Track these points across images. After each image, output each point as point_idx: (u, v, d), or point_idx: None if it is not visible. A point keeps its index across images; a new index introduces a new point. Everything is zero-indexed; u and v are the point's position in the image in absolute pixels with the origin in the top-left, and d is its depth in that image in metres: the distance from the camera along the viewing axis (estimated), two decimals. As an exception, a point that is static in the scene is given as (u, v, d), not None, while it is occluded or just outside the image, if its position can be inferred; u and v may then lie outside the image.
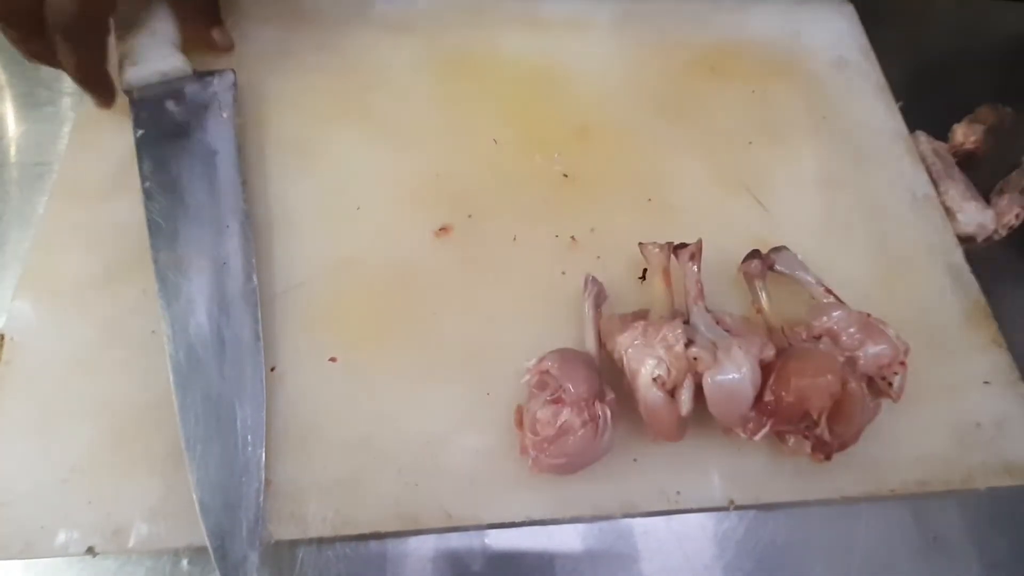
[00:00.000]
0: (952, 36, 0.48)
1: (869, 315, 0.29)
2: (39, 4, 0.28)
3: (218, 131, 0.33)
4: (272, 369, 0.28)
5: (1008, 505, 0.30)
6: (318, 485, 0.26)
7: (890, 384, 0.28)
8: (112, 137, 0.33)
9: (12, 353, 0.28)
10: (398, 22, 0.40)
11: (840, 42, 0.43)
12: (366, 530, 0.26)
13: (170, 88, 0.34)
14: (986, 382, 0.32)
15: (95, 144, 0.33)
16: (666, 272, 0.30)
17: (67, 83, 0.38)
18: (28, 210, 0.33)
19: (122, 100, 0.34)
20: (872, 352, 0.28)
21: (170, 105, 0.33)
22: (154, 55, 0.33)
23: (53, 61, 0.30)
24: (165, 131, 0.33)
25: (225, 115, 0.33)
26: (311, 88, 0.37)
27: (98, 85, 0.32)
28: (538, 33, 0.40)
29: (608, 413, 0.26)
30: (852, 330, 0.28)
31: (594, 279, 0.30)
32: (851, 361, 0.28)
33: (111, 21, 0.32)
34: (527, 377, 0.28)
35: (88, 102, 0.35)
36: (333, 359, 0.29)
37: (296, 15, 0.40)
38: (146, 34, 0.34)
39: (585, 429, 0.25)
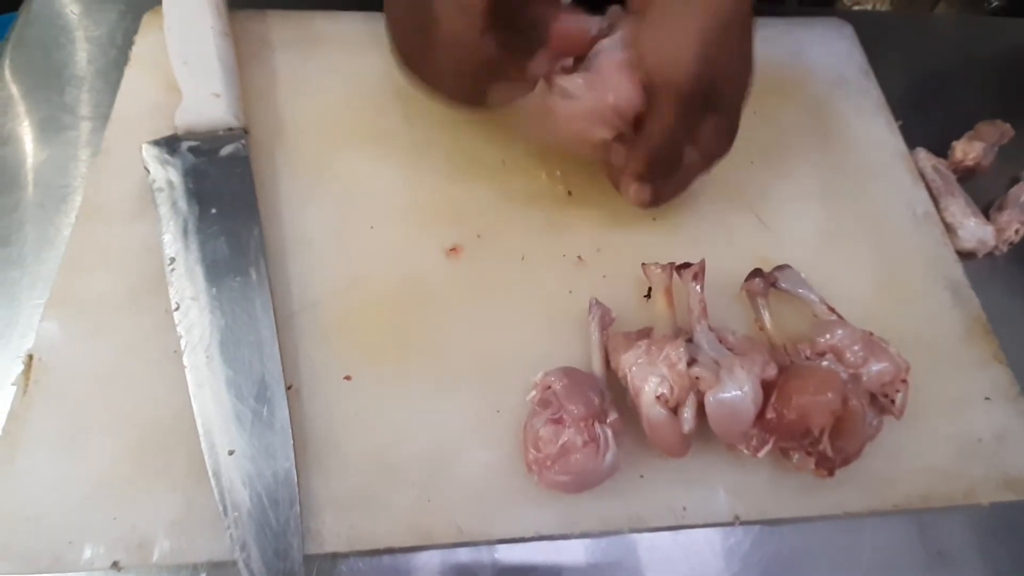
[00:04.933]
0: (951, 53, 0.49)
1: (871, 333, 0.30)
2: None
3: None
4: (289, 387, 0.29)
5: (1011, 520, 0.30)
6: (333, 501, 0.27)
7: (892, 401, 0.29)
8: (136, 159, 0.35)
9: (40, 372, 0.29)
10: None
11: (840, 62, 0.44)
12: (380, 545, 0.27)
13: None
14: (987, 398, 0.32)
15: (119, 166, 0.35)
16: (668, 292, 0.31)
17: (87, 108, 0.39)
18: (52, 232, 0.34)
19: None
20: (874, 369, 0.29)
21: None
22: (216, 114, 0.34)
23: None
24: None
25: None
26: (325, 111, 0.38)
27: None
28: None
29: (610, 434, 0.26)
30: (856, 348, 0.29)
31: (598, 302, 0.31)
32: (855, 378, 0.28)
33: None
34: (532, 393, 0.29)
35: (111, 126, 0.36)
36: (348, 377, 0.30)
37: (310, 40, 0.41)
38: (208, 94, 0.35)
39: (587, 448, 0.26)
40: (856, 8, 1.02)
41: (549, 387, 0.28)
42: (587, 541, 0.28)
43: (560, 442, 0.26)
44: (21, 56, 0.41)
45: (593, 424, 0.26)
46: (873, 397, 0.28)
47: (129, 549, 0.25)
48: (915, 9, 0.97)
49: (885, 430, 0.29)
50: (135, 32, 0.40)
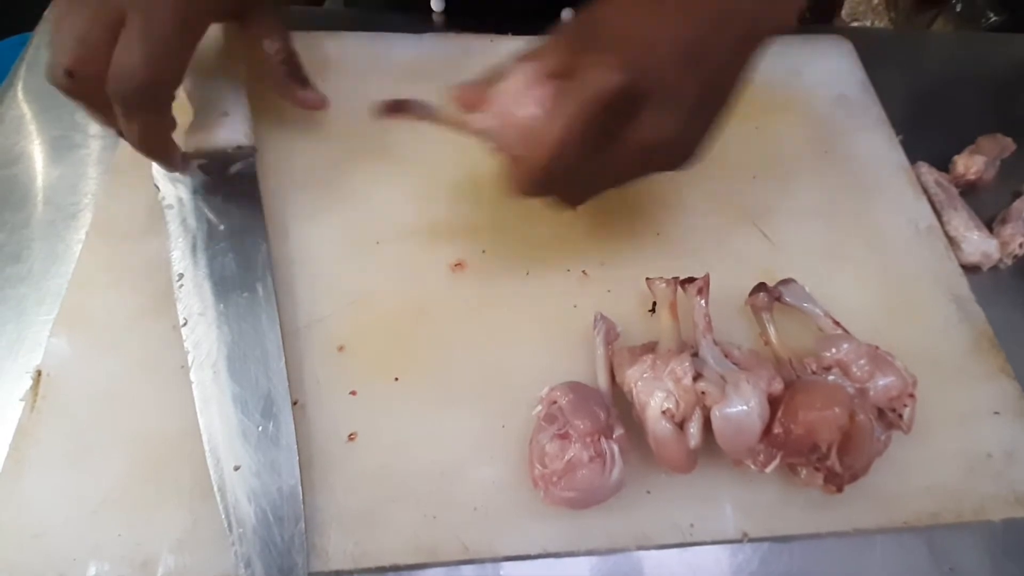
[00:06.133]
0: (950, 69, 0.49)
1: (877, 347, 0.30)
2: (103, 73, 0.27)
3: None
4: (295, 402, 0.29)
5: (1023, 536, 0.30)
6: (339, 518, 0.27)
7: (900, 416, 0.28)
8: (146, 178, 0.35)
9: (47, 388, 0.29)
10: (414, 69, 0.42)
11: (840, 78, 0.44)
12: (385, 562, 0.26)
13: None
14: (996, 412, 0.32)
15: (130, 185, 0.35)
16: (673, 306, 0.31)
17: (98, 127, 0.40)
18: (62, 248, 0.35)
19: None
20: (881, 384, 0.28)
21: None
22: (224, 133, 0.34)
23: (117, 127, 0.29)
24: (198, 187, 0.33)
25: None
26: (331, 130, 0.39)
27: (161, 153, 0.31)
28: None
29: (616, 449, 0.26)
30: (862, 362, 0.29)
31: (603, 317, 0.31)
32: (861, 393, 0.28)
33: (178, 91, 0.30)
34: (538, 408, 0.28)
35: (123, 145, 0.37)
36: (353, 392, 0.30)
37: (318, 60, 0.42)
38: (217, 114, 0.35)
39: (593, 464, 0.26)
40: (855, 24, 1.04)
41: (555, 402, 0.28)
42: (593, 558, 0.28)
43: (566, 457, 0.26)
44: (34, 77, 0.42)
45: (599, 439, 0.26)
46: (880, 412, 0.28)
47: (134, 566, 0.25)
48: (913, 26, 0.98)
49: (893, 446, 0.29)
50: (147, 53, 0.41)
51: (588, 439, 0.26)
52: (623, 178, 0.30)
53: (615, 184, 0.30)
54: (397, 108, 0.30)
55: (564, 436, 0.26)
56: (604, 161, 0.27)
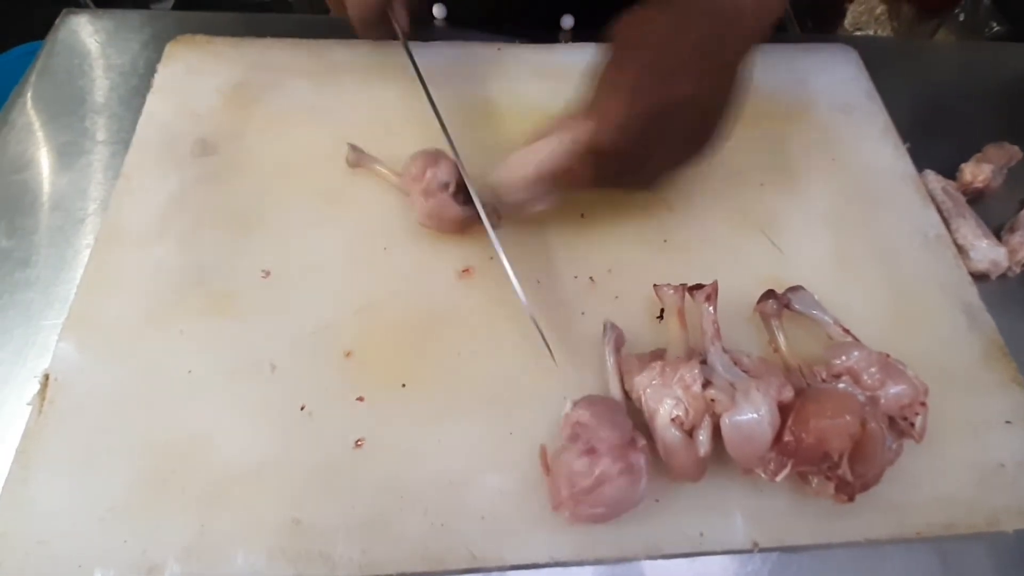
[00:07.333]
0: (954, 78, 0.49)
1: (888, 355, 0.30)
2: None
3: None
4: (302, 408, 0.29)
5: (1037, 548, 0.29)
6: (345, 525, 0.27)
7: (912, 424, 0.28)
8: (156, 185, 0.35)
9: (56, 392, 0.29)
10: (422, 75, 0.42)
11: (846, 87, 0.44)
12: (392, 571, 0.26)
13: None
14: (1008, 421, 0.32)
15: (139, 191, 0.35)
16: (681, 313, 0.31)
17: (106, 134, 0.40)
18: (70, 254, 0.35)
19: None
20: (892, 392, 0.28)
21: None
22: None
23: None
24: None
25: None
26: (340, 135, 0.39)
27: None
28: (554, 82, 0.42)
29: (643, 460, 0.26)
30: (872, 370, 0.29)
31: (613, 325, 0.31)
32: (872, 401, 0.28)
33: None
34: (561, 428, 0.28)
35: (131, 152, 0.37)
36: (360, 399, 0.30)
37: (326, 68, 0.42)
38: None
39: (622, 477, 0.25)
40: (858, 33, 1.04)
41: (578, 422, 0.27)
42: (602, 568, 0.27)
43: (595, 473, 0.25)
44: (45, 84, 0.42)
45: (627, 451, 0.26)
46: (892, 420, 0.28)
47: (140, 573, 0.25)
48: (915, 35, 0.99)
49: (905, 456, 0.29)
50: (157, 61, 0.41)
51: (617, 451, 0.26)
52: (669, 160, 0.33)
53: (666, 166, 0.34)
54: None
55: (591, 451, 0.26)
56: (655, 140, 0.31)
